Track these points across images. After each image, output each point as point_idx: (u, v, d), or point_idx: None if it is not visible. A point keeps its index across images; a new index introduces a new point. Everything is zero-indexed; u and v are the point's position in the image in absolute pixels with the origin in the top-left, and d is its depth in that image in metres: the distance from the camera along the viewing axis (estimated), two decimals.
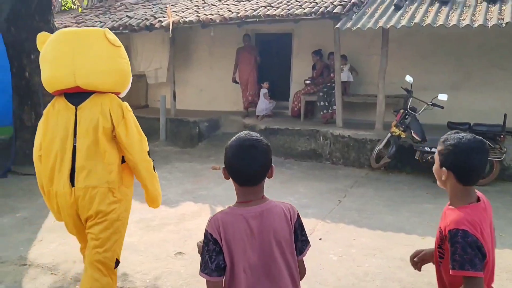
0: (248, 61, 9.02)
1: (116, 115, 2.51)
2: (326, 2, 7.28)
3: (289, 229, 1.59)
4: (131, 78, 2.79)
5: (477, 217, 1.59)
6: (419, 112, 6.45)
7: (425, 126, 6.50)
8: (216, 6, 8.56)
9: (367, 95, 8.30)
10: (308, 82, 8.65)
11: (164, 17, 8.35)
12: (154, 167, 2.74)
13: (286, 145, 7.77)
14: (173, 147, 8.68)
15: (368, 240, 4.21)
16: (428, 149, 6.22)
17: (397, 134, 6.48)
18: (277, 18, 7.21)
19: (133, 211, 4.91)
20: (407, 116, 6.47)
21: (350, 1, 7.05)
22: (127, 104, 2.63)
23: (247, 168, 1.55)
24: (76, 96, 2.51)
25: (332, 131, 7.38)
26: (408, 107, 6.48)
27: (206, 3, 8.97)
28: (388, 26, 6.22)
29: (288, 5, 7.58)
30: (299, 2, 7.67)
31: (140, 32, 9.42)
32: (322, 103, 8.18)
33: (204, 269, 1.53)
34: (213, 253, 1.53)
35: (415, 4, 6.74)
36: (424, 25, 6.01)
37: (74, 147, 2.47)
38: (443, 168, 1.67)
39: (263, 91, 8.88)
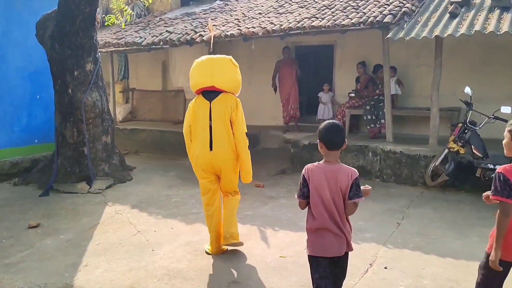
0: (289, 75, 8.78)
1: (233, 106, 3.93)
2: (374, 12, 6.94)
3: (348, 183, 2.55)
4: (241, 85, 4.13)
5: None
6: (480, 126, 5.98)
7: (484, 141, 6.02)
8: (257, 19, 8.36)
9: (417, 108, 7.87)
10: (352, 95, 8.29)
11: (204, 31, 8.21)
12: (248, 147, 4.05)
13: None
14: None
15: (440, 269, 3.79)
16: (491, 166, 5.72)
17: (455, 149, 6.02)
18: (323, 29, 6.92)
19: (180, 234, 4.73)
20: (466, 131, 6.00)
21: (401, 10, 6.69)
22: (239, 100, 4.03)
23: (334, 137, 2.61)
24: (209, 94, 3.93)
25: (382, 146, 6.97)
26: (467, 121, 6.03)
27: (246, 16, 8.79)
28: (446, 35, 5.83)
29: (333, 16, 7.28)
30: (344, 12, 7.37)
31: (179, 47, 9.33)
32: (369, 117, 7.79)
33: (298, 193, 2.69)
34: (303, 186, 2.65)
35: (472, 12, 6.31)
36: (486, 32, 5.58)
37: (210, 126, 3.90)
38: None
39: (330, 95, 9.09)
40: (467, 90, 5.95)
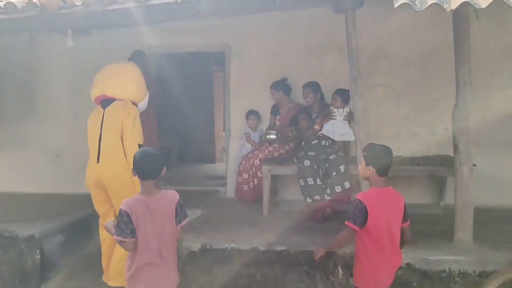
0: None
1: (125, 113, 3.47)
2: None
3: (173, 208, 2.43)
4: (147, 93, 3.76)
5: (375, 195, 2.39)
6: None
7: None
8: None
9: (400, 163, 4.25)
10: (273, 136, 4.54)
11: None
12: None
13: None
14: None
15: None
16: None
17: None
18: None
19: None
20: None
21: None
22: (135, 108, 3.57)
23: (147, 165, 2.41)
24: (105, 102, 3.55)
25: None
26: None
27: None
28: None
29: None
30: None
31: None
32: (309, 180, 4.03)
33: (121, 233, 2.32)
34: (127, 223, 2.33)
35: None
36: None
37: (100, 136, 3.47)
38: (369, 166, 2.41)
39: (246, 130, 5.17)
40: None
